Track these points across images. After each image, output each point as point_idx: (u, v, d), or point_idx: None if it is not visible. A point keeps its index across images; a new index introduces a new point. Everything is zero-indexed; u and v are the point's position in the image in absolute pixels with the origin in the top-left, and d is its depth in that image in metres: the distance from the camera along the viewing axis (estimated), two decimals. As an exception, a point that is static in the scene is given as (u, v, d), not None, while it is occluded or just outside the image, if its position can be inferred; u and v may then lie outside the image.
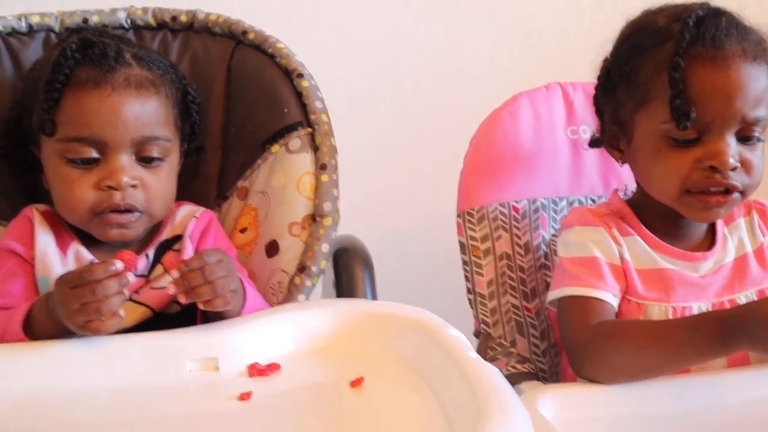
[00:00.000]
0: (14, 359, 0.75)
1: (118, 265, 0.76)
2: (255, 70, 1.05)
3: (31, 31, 1.05)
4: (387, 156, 1.51)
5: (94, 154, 0.87)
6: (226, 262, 0.80)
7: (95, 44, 0.89)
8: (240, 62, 1.07)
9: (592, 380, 0.85)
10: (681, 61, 0.86)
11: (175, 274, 0.78)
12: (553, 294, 0.94)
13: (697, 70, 0.87)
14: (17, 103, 0.96)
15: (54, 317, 0.77)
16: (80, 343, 0.76)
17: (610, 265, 0.93)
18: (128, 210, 0.89)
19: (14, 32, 1.04)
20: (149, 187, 0.90)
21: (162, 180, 0.91)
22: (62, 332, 0.77)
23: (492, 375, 0.66)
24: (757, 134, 0.89)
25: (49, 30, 1.06)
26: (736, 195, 0.89)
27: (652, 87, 0.90)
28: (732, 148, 0.87)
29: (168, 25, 1.10)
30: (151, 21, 1.10)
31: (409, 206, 1.52)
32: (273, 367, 0.77)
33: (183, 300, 0.78)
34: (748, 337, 0.77)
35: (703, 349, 0.80)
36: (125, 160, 0.88)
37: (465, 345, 0.73)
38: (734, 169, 0.87)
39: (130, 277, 0.77)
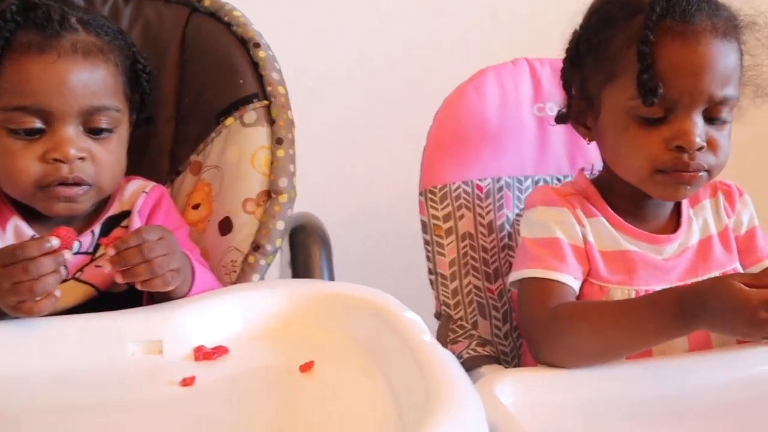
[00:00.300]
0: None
1: (54, 242, 0.72)
2: (210, 39, 1.01)
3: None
4: (348, 131, 1.47)
5: (38, 125, 0.83)
6: (167, 240, 0.76)
7: (37, 6, 0.84)
8: (194, 30, 1.02)
9: (551, 364, 0.83)
10: (650, 35, 0.84)
11: (111, 251, 0.74)
12: (514, 275, 0.93)
13: (665, 45, 0.85)
14: None
15: None
16: (13, 325, 0.72)
17: (572, 246, 0.91)
18: (76, 183, 0.84)
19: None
20: (98, 159, 0.85)
21: (111, 152, 0.87)
22: None
23: (445, 360, 0.63)
24: (724, 114, 0.87)
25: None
26: (702, 174, 0.88)
27: (621, 61, 0.87)
28: (698, 127, 0.85)
29: (120, -10, 1.05)
30: (102, -15, 1.04)
31: (370, 183, 1.48)
32: (220, 350, 0.74)
33: (119, 279, 0.74)
34: (705, 314, 0.76)
35: (661, 326, 0.79)
36: (72, 131, 0.83)
37: (420, 328, 0.70)
38: (701, 149, 0.86)
39: (68, 255, 0.73)
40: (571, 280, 0.89)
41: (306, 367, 0.71)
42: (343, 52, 1.47)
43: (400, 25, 1.49)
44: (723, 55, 0.85)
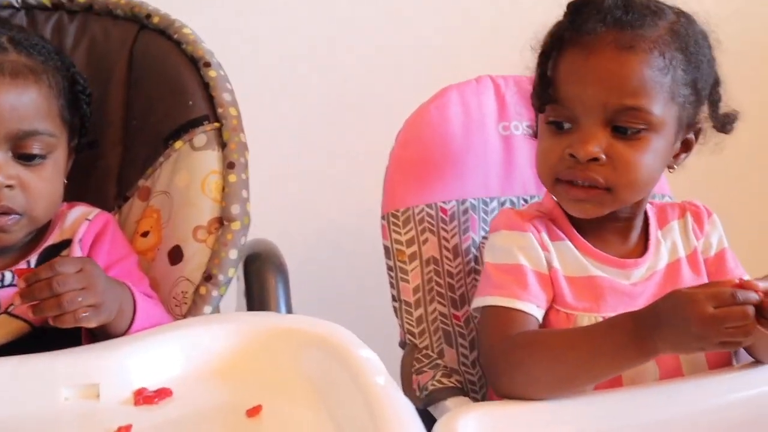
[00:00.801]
0: None
1: None
2: (159, 58, 0.96)
3: None
4: (305, 153, 1.41)
5: None
6: (86, 273, 0.71)
7: None
8: (143, 48, 0.98)
9: (508, 395, 0.80)
10: (550, 43, 0.87)
11: (21, 284, 0.69)
12: (476, 302, 0.90)
13: (563, 54, 0.86)
14: None
15: None
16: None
17: (535, 273, 0.88)
18: (5, 213, 0.79)
19: None
20: (29, 187, 0.80)
21: (44, 179, 0.82)
22: None
23: (398, 408, 0.59)
24: (637, 127, 0.83)
25: None
26: (601, 191, 0.85)
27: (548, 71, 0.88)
28: (598, 138, 0.83)
29: (65, 6, 1.01)
30: (46, 0, 0.99)
31: (329, 208, 1.43)
32: (162, 393, 0.69)
33: (31, 315, 0.69)
34: (660, 327, 0.74)
35: (617, 348, 0.77)
36: (0, 157, 0.78)
37: (374, 368, 0.66)
38: (595, 160, 0.83)
39: None
40: (534, 308, 0.86)
41: (253, 412, 0.66)
42: (301, 70, 1.43)
43: (360, 43, 1.45)
44: (622, 65, 0.82)
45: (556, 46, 0.87)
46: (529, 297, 0.86)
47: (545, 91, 0.87)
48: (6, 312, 0.79)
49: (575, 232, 0.92)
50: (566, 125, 0.86)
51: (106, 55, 0.98)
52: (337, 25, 1.42)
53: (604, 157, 0.83)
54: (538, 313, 0.87)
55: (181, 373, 0.72)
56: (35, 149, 0.80)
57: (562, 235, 0.92)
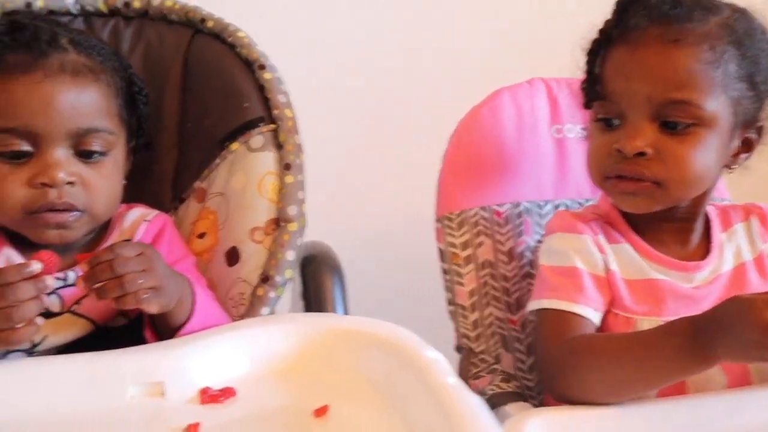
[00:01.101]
0: None
1: (35, 266, 0.67)
2: (213, 61, 0.97)
3: (-34, 16, 0.95)
4: (359, 155, 1.41)
5: (26, 147, 0.78)
6: (146, 256, 0.72)
7: (26, 27, 0.80)
8: (198, 52, 0.98)
9: (564, 399, 0.78)
10: (598, 41, 0.86)
11: (83, 267, 0.69)
12: (532, 305, 0.88)
13: (610, 51, 0.86)
14: None
15: None
16: (2, 366, 0.67)
17: (592, 276, 0.87)
18: (66, 209, 0.79)
19: (-54, 18, 0.94)
20: (90, 184, 0.81)
21: (104, 177, 0.82)
22: None
23: (473, 406, 0.58)
24: (686, 121, 0.82)
25: (-13, 15, 0.96)
26: (650, 184, 0.83)
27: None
28: (644, 133, 0.82)
29: (120, 12, 1.01)
30: (102, 7, 1.01)
31: (383, 210, 1.42)
32: (227, 393, 0.69)
33: (94, 297, 0.70)
34: (719, 334, 0.71)
35: (675, 353, 0.74)
36: (61, 154, 0.79)
37: (443, 369, 0.65)
38: (643, 155, 0.82)
39: (50, 280, 0.67)
40: (590, 312, 0.84)
41: (321, 412, 0.65)
42: (355, 73, 1.43)
43: (412, 46, 1.45)
44: (667, 59, 0.81)
45: (604, 43, 0.87)
46: (585, 300, 0.85)
47: (593, 88, 0.87)
48: (70, 311, 0.79)
49: (633, 234, 0.90)
50: (615, 122, 0.85)
51: (161, 60, 0.98)
52: (390, 28, 1.42)
53: (650, 151, 0.82)
54: (595, 317, 0.85)
55: (244, 373, 0.71)
56: (95, 146, 0.81)
57: (620, 238, 0.90)
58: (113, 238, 0.87)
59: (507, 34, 1.45)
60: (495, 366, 0.95)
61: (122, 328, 0.82)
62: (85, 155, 0.81)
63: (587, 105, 0.89)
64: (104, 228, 0.87)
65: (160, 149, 0.97)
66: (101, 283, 0.69)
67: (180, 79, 0.98)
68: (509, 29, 1.46)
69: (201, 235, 0.93)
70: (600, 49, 0.87)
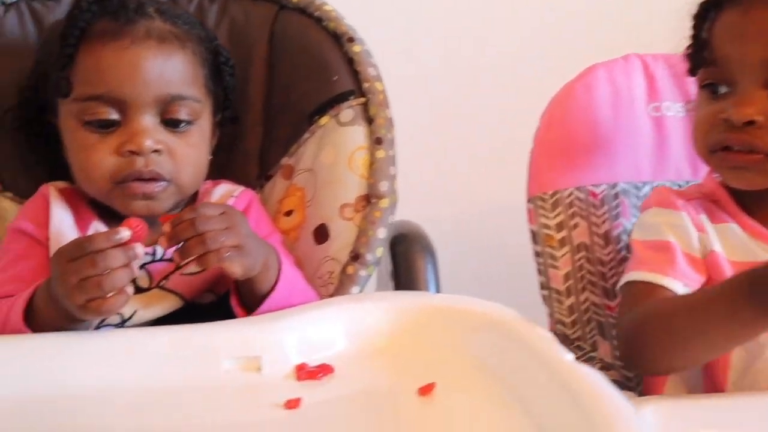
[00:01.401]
0: (16, 353, 0.64)
1: (124, 233, 0.64)
2: (300, 35, 0.94)
3: (57, -7, 0.95)
4: (448, 132, 1.37)
5: (114, 116, 0.77)
6: (229, 215, 0.70)
7: None
8: (283, 27, 0.96)
9: (635, 370, 0.77)
10: (706, 4, 0.81)
11: (167, 227, 0.68)
12: (621, 280, 0.83)
13: (722, 14, 0.80)
14: (33, 72, 0.87)
15: (55, 301, 0.66)
16: (95, 336, 0.65)
17: (685, 255, 0.81)
18: (153, 179, 0.78)
19: (39, -5, 0.95)
20: (176, 153, 0.79)
21: (191, 146, 0.80)
22: (65, 322, 0.66)
23: (598, 383, 0.53)
24: None
25: (77, -9, 0.96)
26: (762, 157, 0.78)
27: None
28: (756, 100, 0.76)
29: (205, -11, 1.00)
30: (187, -17, 0.99)
31: (472, 189, 1.37)
32: (325, 369, 0.65)
33: (177, 259, 0.68)
34: None
35: (731, 305, 0.67)
36: (148, 121, 0.78)
37: (557, 346, 0.60)
38: (753, 123, 0.76)
39: (139, 248, 0.65)
40: (679, 286, 0.79)
41: (426, 390, 0.61)
42: (442, 48, 1.39)
43: (501, 20, 1.40)
44: None
45: (713, 5, 0.81)
46: (674, 273, 0.79)
47: (699, 54, 0.82)
48: (159, 286, 0.78)
49: (743, 213, 0.84)
50: (722, 89, 0.80)
51: (246, 37, 0.96)
52: (479, 7, 1.38)
53: (761, 119, 0.76)
54: (683, 292, 0.79)
55: (340, 350, 0.68)
56: (182, 114, 0.79)
57: (727, 218, 0.84)
58: (200, 213, 0.85)
59: (600, 8, 1.39)
60: (592, 354, 0.91)
61: (210, 305, 0.79)
62: (171, 123, 0.79)
63: (692, 72, 0.84)
64: (190, 203, 0.86)
65: (245, 126, 0.95)
66: (182, 242, 0.68)
67: (266, 55, 0.95)
68: (602, 3, 1.40)
69: (288, 213, 0.90)
70: (709, 12, 0.82)
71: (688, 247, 0.82)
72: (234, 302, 0.76)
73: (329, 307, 0.72)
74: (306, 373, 0.65)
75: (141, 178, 0.77)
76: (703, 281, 0.81)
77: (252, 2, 0.99)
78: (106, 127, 0.77)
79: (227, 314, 0.76)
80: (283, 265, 0.75)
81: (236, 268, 0.69)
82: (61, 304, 0.64)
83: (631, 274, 0.81)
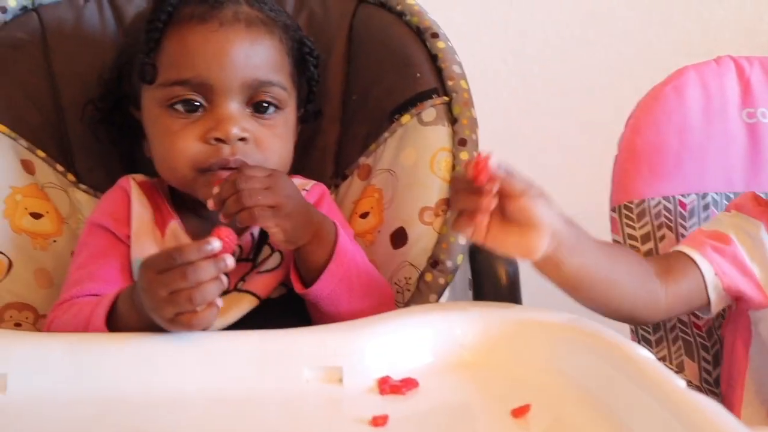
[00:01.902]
0: (98, 354, 0.62)
1: (215, 244, 0.62)
2: (381, 30, 0.91)
3: (137, -16, 0.94)
4: (528, 138, 1.32)
5: (199, 101, 0.75)
6: (276, 177, 0.69)
7: None
8: (363, 21, 0.93)
9: None
10: None
11: (216, 189, 0.69)
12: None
13: None
14: (116, 62, 0.85)
15: (140, 310, 0.64)
16: (175, 339, 0.63)
17: (739, 260, 0.79)
18: (238, 168, 0.74)
19: (118, -14, 0.93)
20: (262, 142, 0.76)
21: (277, 136, 0.78)
22: (148, 330, 0.64)
23: (720, 415, 0.49)
24: None
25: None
26: None
27: None
28: None
29: (284, -19, 0.97)
30: (264, -25, 0.97)
31: (555, 196, 1.32)
32: (409, 384, 0.62)
33: (222, 219, 0.67)
34: None
35: None
36: (234, 107, 0.75)
37: (666, 371, 0.56)
38: None
39: (229, 260, 0.62)
40: (709, 270, 0.78)
41: (520, 412, 0.57)
42: (522, 51, 1.34)
43: (584, 21, 1.35)
44: None
45: None
46: (712, 258, 0.78)
47: None
48: (236, 288, 0.75)
49: None
50: None
51: (325, 31, 0.93)
52: (563, 8, 1.33)
53: None
54: (710, 277, 0.78)
55: (425, 363, 0.64)
56: (270, 100, 0.77)
57: None
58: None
59: (689, 9, 1.33)
60: (677, 375, 0.85)
61: (281, 299, 0.77)
62: (258, 109, 0.77)
63: None
64: None
65: (322, 122, 0.92)
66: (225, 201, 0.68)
67: (345, 50, 0.93)
68: (691, 4, 1.33)
69: (364, 215, 0.87)
70: None
71: (748, 258, 0.79)
72: (293, 276, 0.73)
73: (412, 317, 0.68)
74: (390, 387, 0.62)
75: (227, 167, 0.74)
76: (750, 299, 0.78)
77: (331, -6, 0.96)
78: (192, 112, 0.75)
79: (297, 307, 0.74)
80: (340, 240, 0.72)
81: (273, 229, 0.68)
82: (147, 315, 0.62)
83: (675, 247, 0.81)
